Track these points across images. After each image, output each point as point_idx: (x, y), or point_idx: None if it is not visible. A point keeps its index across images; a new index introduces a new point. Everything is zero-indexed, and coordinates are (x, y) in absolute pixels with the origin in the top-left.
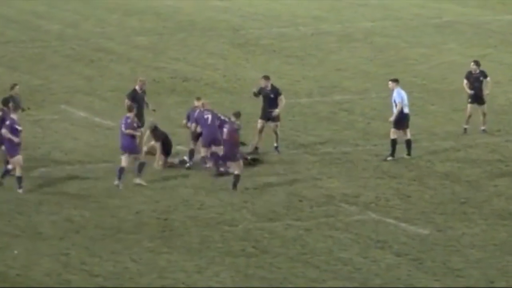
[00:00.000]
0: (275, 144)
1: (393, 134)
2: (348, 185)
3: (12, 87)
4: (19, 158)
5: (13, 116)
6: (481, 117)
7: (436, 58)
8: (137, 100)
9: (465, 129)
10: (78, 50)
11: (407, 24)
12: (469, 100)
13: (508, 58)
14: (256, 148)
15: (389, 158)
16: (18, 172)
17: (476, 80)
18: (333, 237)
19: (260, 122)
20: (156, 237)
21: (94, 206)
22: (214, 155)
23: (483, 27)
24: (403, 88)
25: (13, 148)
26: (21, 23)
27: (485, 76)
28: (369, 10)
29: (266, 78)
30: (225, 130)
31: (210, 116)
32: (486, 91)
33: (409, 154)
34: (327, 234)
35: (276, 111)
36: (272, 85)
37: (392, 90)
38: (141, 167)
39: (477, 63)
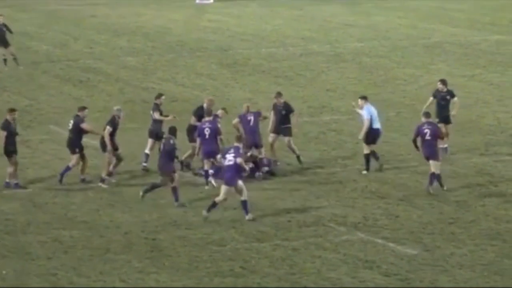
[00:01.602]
0: (297, 153)
1: (366, 149)
2: (337, 205)
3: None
4: None
5: None
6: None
7: (425, 78)
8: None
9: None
10: (67, 71)
11: (395, 45)
12: (437, 120)
13: (497, 78)
14: (275, 161)
15: (364, 172)
16: None
17: (442, 99)
18: (321, 257)
19: (271, 136)
20: (144, 257)
21: (83, 227)
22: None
23: (472, 48)
24: (393, 107)
25: None
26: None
27: (452, 96)
28: (358, 30)
29: (279, 94)
30: None
31: (253, 118)
32: (453, 111)
33: (368, 169)
34: (315, 254)
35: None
36: (285, 102)
37: (362, 108)
38: None
39: (443, 82)
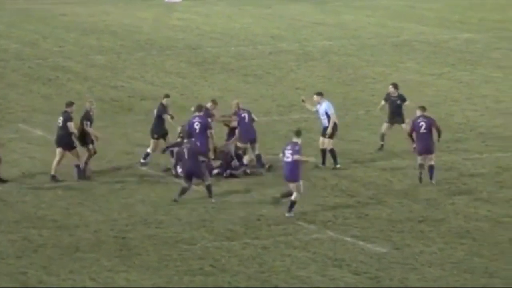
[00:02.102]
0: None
1: (330, 144)
2: (306, 204)
3: None
4: None
5: None
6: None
7: (394, 76)
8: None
9: (382, 145)
10: (36, 69)
11: (364, 43)
12: (386, 119)
13: (466, 77)
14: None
15: (338, 166)
16: None
17: (393, 103)
18: (291, 256)
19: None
20: (114, 256)
21: (52, 225)
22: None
23: (441, 46)
24: (362, 106)
25: None
26: None
27: (403, 100)
28: (327, 29)
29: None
30: None
31: (246, 115)
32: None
33: (323, 162)
34: (285, 252)
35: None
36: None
37: (319, 103)
38: None
39: (395, 86)
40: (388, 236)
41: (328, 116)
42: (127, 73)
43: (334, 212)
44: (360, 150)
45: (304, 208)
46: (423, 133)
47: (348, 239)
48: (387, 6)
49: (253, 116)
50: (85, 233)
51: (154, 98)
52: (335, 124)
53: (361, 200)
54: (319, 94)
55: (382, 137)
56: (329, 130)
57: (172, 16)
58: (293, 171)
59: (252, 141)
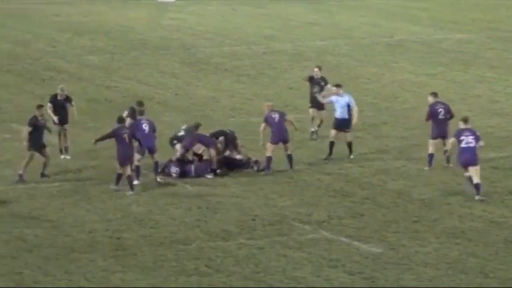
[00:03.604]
0: (351, 156)
1: (350, 136)
2: (301, 204)
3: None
4: None
5: None
6: (318, 121)
7: (387, 76)
8: None
9: (312, 132)
10: (29, 69)
11: (358, 43)
12: (309, 104)
13: (460, 77)
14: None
15: (352, 157)
16: None
17: (317, 84)
18: (286, 256)
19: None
20: (109, 256)
21: (47, 225)
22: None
23: (434, 46)
24: (359, 106)
25: None
26: None
27: (326, 82)
28: (321, 29)
29: (338, 86)
30: None
31: (278, 116)
32: (322, 98)
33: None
34: (280, 253)
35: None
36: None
37: (337, 95)
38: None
39: (320, 68)
40: (383, 236)
41: (349, 108)
42: (120, 73)
43: (328, 212)
44: (355, 150)
45: (299, 209)
46: (442, 118)
47: (343, 239)
48: (380, 6)
49: (287, 117)
50: (80, 233)
51: (148, 98)
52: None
53: (356, 200)
54: (338, 85)
55: (312, 122)
56: (354, 121)
57: (165, 16)
58: (476, 155)
59: (284, 141)
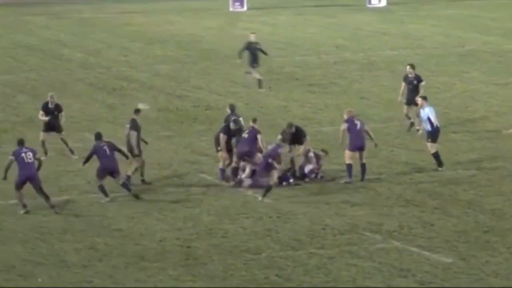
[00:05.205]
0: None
1: (434, 148)
2: (372, 213)
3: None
4: None
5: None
6: (414, 119)
7: (458, 86)
8: None
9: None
10: (100, 79)
11: (429, 53)
12: (404, 101)
13: None
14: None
15: (440, 169)
16: None
17: (410, 83)
18: (356, 266)
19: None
20: (179, 265)
21: (118, 234)
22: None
23: (506, 56)
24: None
25: None
26: (44, 51)
27: (419, 81)
28: (392, 38)
29: (423, 98)
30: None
31: (359, 123)
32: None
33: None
34: (350, 262)
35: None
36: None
37: (422, 108)
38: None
39: (412, 66)
40: (454, 246)
41: (431, 121)
42: (191, 82)
43: (399, 222)
44: (426, 160)
45: (369, 218)
46: None
47: (414, 249)
48: (451, 16)
49: (366, 127)
50: (151, 242)
51: (219, 108)
52: (437, 128)
53: (427, 210)
54: (424, 98)
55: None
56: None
57: (236, 26)
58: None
59: (362, 149)
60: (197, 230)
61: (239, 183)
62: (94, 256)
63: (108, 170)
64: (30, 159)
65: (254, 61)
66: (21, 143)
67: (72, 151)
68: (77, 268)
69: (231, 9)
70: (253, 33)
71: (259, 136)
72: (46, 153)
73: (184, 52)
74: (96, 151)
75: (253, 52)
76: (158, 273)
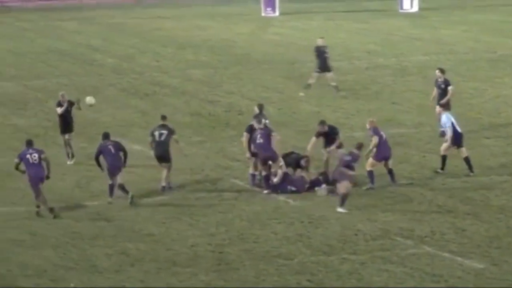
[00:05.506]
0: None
1: (464, 153)
2: (403, 219)
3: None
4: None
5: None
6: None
7: (490, 92)
8: None
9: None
10: (133, 84)
11: (461, 58)
12: (437, 105)
13: None
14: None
15: (472, 173)
16: None
17: (438, 87)
18: (388, 271)
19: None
20: (211, 270)
21: (149, 239)
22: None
23: None
24: (458, 121)
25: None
26: (75, 56)
27: (447, 85)
28: (423, 44)
29: (441, 106)
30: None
31: (384, 134)
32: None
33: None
34: (382, 268)
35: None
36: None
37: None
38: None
39: (441, 70)
40: (486, 252)
41: (454, 126)
42: (224, 87)
43: (431, 228)
44: (458, 166)
45: (401, 224)
46: None
47: (446, 254)
48: (482, 21)
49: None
50: (182, 248)
51: (251, 113)
52: (461, 133)
53: (458, 215)
54: (442, 105)
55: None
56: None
57: (268, 31)
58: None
59: (387, 158)
60: (229, 235)
61: (274, 189)
62: (126, 261)
63: (112, 168)
64: (35, 160)
65: (322, 66)
66: (29, 143)
67: (69, 156)
68: (109, 273)
69: (263, 14)
70: (322, 37)
71: (273, 134)
72: (69, 156)
73: (216, 57)
74: (101, 150)
75: (321, 56)
76: (190, 278)
